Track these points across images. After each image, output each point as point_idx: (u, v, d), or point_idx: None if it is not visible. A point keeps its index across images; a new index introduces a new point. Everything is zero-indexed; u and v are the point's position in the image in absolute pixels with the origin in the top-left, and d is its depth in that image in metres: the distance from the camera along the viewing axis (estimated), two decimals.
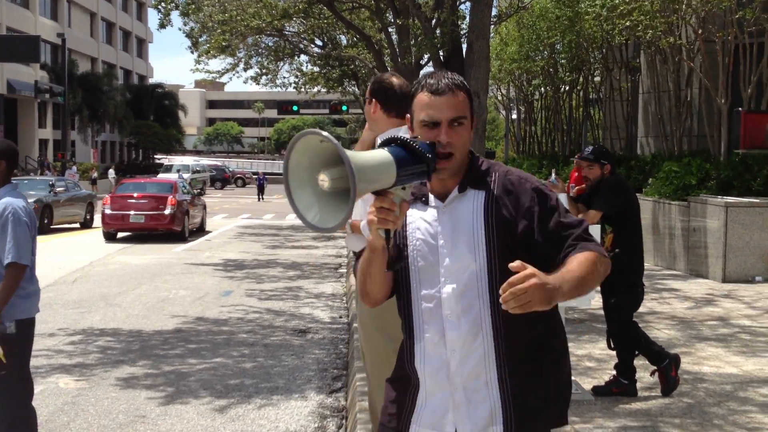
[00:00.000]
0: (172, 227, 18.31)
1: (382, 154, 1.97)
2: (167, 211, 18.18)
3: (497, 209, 2.18)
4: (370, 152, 1.98)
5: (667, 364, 5.56)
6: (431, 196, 2.25)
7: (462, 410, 2.22)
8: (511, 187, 2.21)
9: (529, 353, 2.22)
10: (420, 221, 2.26)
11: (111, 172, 45.23)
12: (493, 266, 2.17)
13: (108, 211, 18.17)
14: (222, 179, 56.31)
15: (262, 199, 39.94)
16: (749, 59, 12.91)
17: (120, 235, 19.07)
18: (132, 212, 18.15)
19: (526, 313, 1.95)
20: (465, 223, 2.20)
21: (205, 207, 21.88)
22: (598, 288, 8.94)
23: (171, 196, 18.41)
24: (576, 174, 16.53)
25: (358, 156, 1.87)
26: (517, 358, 2.20)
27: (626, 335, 5.66)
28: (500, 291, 1.92)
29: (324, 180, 1.90)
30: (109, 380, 6.69)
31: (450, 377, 2.22)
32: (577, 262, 2.10)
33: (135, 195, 18.47)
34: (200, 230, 21.03)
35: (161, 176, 40.21)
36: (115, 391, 6.39)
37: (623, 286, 5.60)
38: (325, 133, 1.85)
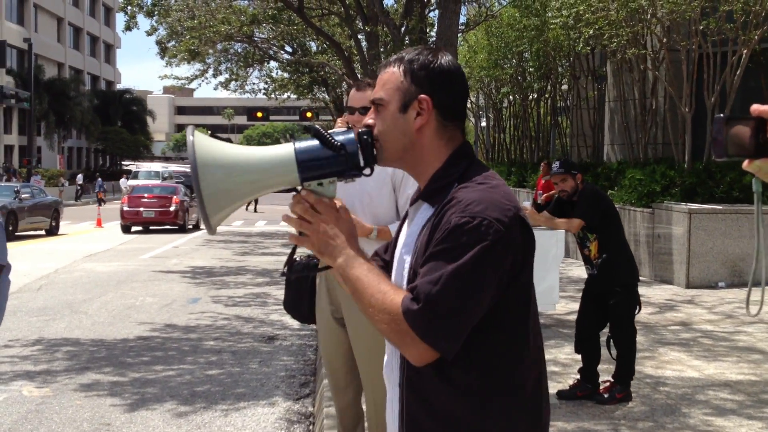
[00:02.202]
0: (176, 221, 23.32)
1: (280, 149, 1.73)
2: (172, 208, 23.20)
3: (427, 238, 1.71)
4: (265, 147, 1.75)
5: (612, 384, 5.68)
6: (409, 208, 1.95)
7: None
8: (441, 217, 1.70)
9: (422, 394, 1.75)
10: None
11: (79, 178, 44.77)
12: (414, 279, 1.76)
13: (126, 208, 23.03)
14: (190, 186, 55.94)
15: (255, 210, 34.81)
16: (713, 68, 13.14)
17: (126, 231, 22.85)
18: (144, 209, 22.96)
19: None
20: (407, 240, 1.85)
21: None
22: (567, 293, 9.03)
23: (175, 197, 23.55)
24: (542, 182, 16.77)
25: (229, 150, 1.70)
26: (410, 387, 1.77)
27: (628, 337, 5.73)
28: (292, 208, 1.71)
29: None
30: (74, 388, 6.62)
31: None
32: (384, 284, 1.70)
33: (146, 196, 23.43)
34: (196, 227, 24.85)
35: (127, 182, 40.10)
36: (80, 398, 6.33)
37: (620, 287, 5.69)
38: (189, 134, 1.70)
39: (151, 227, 23.80)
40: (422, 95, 1.76)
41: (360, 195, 3.54)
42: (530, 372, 1.77)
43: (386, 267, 1.93)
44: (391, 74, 1.80)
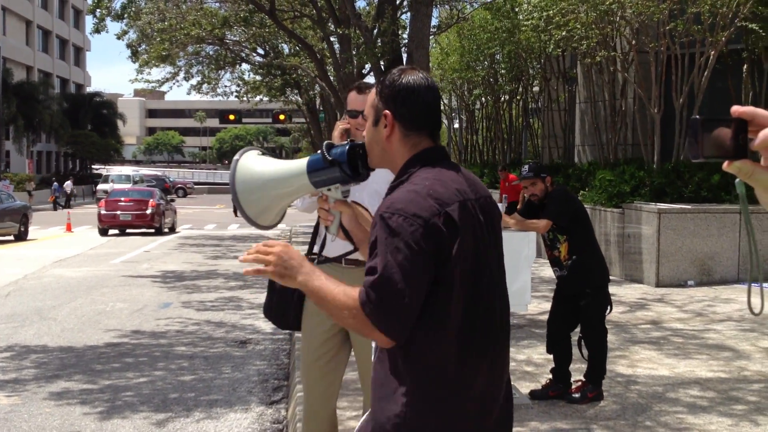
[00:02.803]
0: (153, 224, 23.77)
1: (296, 164, 2.20)
2: (149, 212, 23.66)
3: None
4: (288, 162, 2.24)
5: (583, 384, 5.73)
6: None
7: None
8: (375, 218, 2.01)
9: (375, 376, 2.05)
10: None
11: (68, 185, 44.19)
12: None
13: (103, 212, 23.57)
14: (162, 189, 55.54)
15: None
16: (681, 69, 13.29)
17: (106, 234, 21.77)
18: (120, 212, 23.47)
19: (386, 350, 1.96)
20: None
21: (175, 211, 26.77)
22: (540, 293, 9.07)
23: (152, 200, 24.02)
24: (505, 184, 16.88)
25: (261, 168, 2.21)
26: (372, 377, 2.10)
27: (599, 338, 5.76)
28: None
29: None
30: (44, 395, 6.54)
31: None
32: (341, 286, 1.94)
33: (123, 199, 23.93)
34: (172, 230, 25.46)
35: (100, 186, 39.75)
36: (50, 406, 6.25)
37: (590, 289, 5.72)
38: (237, 155, 2.27)
39: (127, 230, 24.29)
40: (386, 110, 2.08)
41: (370, 194, 3.59)
42: (451, 357, 1.94)
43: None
44: (372, 94, 2.15)
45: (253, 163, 2.23)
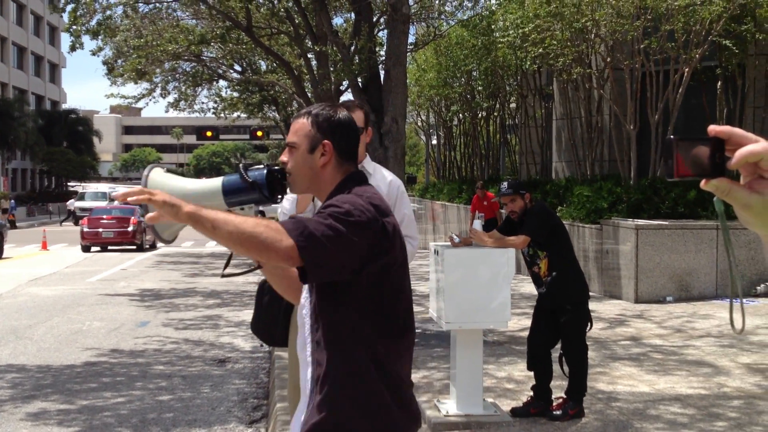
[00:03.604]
0: (134, 240, 24.48)
1: (212, 182, 2.33)
2: (130, 229, 24.26)
3: None
4: (202, 180, 2.40)
5: (563, 401, 5.73)
6: None
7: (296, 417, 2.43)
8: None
9: (329, 369, 2.22)
10: None
11: (71, 202, 43.82)
12: (312, 287, 2.29)
13: (85, 229, 24.10)
14: (140, 206, 55.05)
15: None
16: (656, 86, 13.43)
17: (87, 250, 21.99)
18: (103, 230, 23.97)
19: (330, 340, 2.19)
20: None
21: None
22: (520, 309, 9.07)
23: (133, 218, 24.26)
24: (482, 203, 16.97)
25: (172, 184, 2.29)
26: (323, 383, 2.23)
27: (580, 354, 5.77)
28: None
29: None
30: (20, 416, 6.43)
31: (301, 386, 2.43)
32: (240, 216, 2.12)
33: (105, 217, 24.41)
34: (152, 246, 25.65)
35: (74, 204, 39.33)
36: (26, 427, 6.15)
37: (570, 305, 5.73)
38: (145, 172, 2.35)
39: (109, 247, 24.73)
40: (325, 141, 2.32)
41: None
42: (370, 355, 2.20)
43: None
44: (302, 124, 2.35)
45: (163, 178, 2.31)
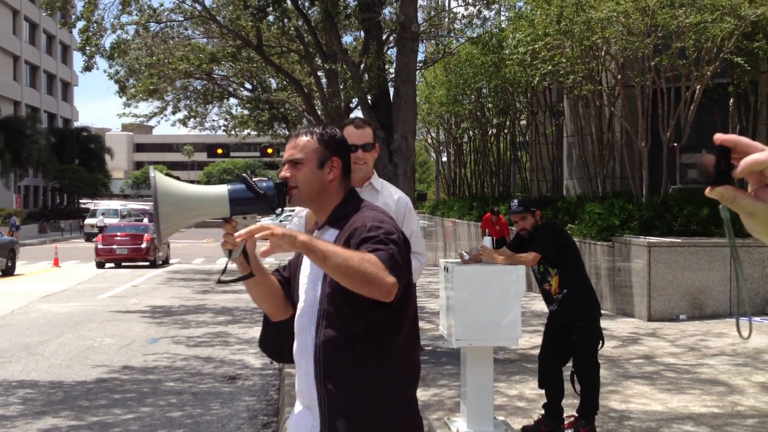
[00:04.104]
0: (148, 257, 24.95)
1: (217, 190, 2.34)
2: (144, 246, 24.78)
3: (344, 243, 2.35)
4: (205, 186, 2.38)
5: (575, 421, 5.69)
6: (315, 231, 2.55)
7: (299, 424, 2.48)
8: (351, 229, 2.37)
9: (344, 379, 2.33)
10: None
11: (101, 220, 44.06)
12: (323, 298, 2.38)
13: (100, 246, 24.71)
14: (150, 223, 55.38)
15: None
16: (667, 103, 13.41)
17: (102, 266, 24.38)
18: (117, 247, 24.61)
19: (343, 346, 2.30)
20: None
21: (168, 245, 28.01)
22: (531, 326, 9.02)
23: (146, 235, 25.08)
24: (495, 227, 16.97)
25: (178, 188, 2.29)
26: (332, 384, 2.34)
27: (592, 372, 5.73)
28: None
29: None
30: None
31: (298, 388, 2.49)
32: (353, 251, 2.21)
33: (119, 234, 25.18)
34: (165, 262, 26.57)
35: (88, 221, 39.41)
36: None
37: (581, 323, 5.70)
38: (151, 173, 2.30)
39: (123, 263, 25.11)
40: (334, 157, 2.48)
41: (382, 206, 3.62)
42: (402, 351, 2.39)
43: (285, 282, 2.60)
44: (307, 141, 2.49)
45: (169, 182, 2.33)
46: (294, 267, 2.63)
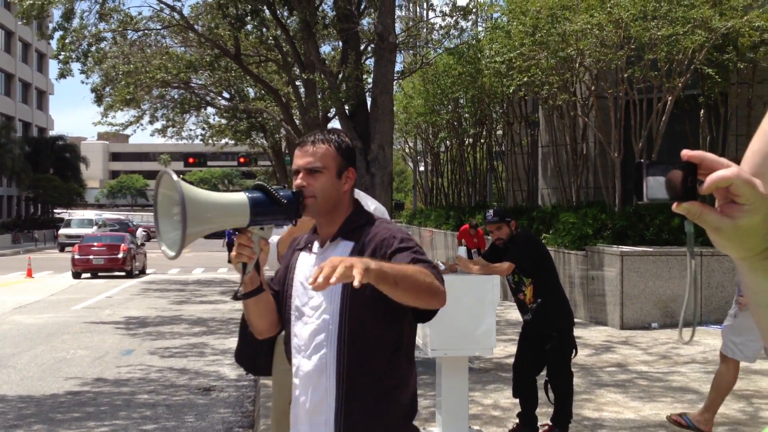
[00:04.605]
0: (125, 267, 24.64)
1: (237, 197, 2.18)
2: (120, 255, 24.53)
3: (370, 254, 2.29)
4: (225, 194, 2.21)
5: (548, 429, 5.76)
6: (316, 244, 2.46)
7: None
8: (377, 239, 2.34)
9: (368, 401, 2.31)
10: (303, 265, 2.47)
11: (140, 231, 43.64)
12: (345, 312, 2.30)
13: (77, 256, 24.45)
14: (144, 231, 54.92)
15: None
16: (639, 114, 13.57)
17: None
18: (93, 257, 24.37)
19: (371, 360, 2.28)
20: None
21: (145, 255, 27.68)
22: (506, 335, 9.06)
23: (123, 245, 24.96)
24: (473, 240, 17.05)
25: (202, 194, 2.11)
26: (356, 403, 2.30)
27: (565, 381, 5.78)
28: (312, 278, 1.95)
29: (176, 213, 2.10)
30: None
31: (299, 411, 2.41)
32: (405, 266, 2.17)
33: (96, 244, 25.05)
34: (142, 272, 26.38)
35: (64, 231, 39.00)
36: None
37: (556, 332, 5.75)
38: (169, 171, 2.11)
39: (99, 273, 24.97)
40: (351, 167, 2.44)
41: None
42: (413, 366, 2.44)
43: (275, 296, 2.48)
44: (326, 150, 2.39)
45: (192, 186, 2.15)
46: (282, 280, 2.52)
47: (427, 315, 2.29)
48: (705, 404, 6.02)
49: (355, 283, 1.90)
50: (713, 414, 5.94)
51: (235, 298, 2.32)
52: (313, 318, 2.37)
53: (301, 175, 2.38)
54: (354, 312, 2.29)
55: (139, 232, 43.40)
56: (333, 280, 1.88)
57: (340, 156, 2.41)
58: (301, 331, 2.40)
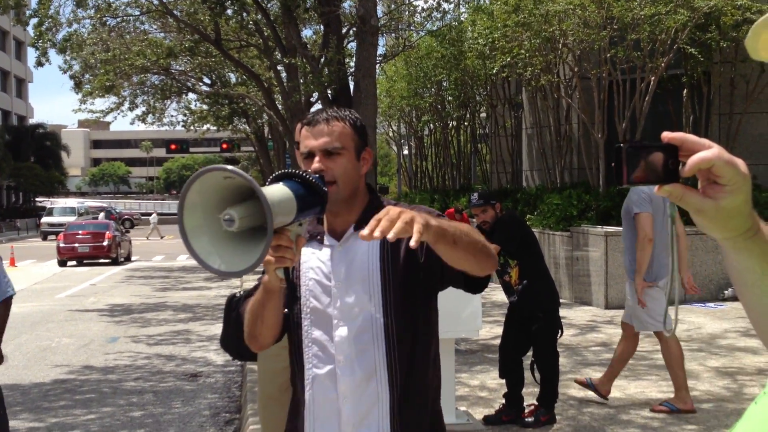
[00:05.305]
0: (110, 254, 24.90)
1: (283, 190, 1.77)
2: (105, 243, 24.76)
3: (393, 248, 2.07)
4: (272, 187, 1.77)
5: (534, 408, 5.78)
6: (326, 235, 2.15)
7: None
8: None
9: (419, 399, 2.13)
10: (314, 260, 2.15)
11: (154, 217, 43.41)
12: (389, 307, 2.07)
13: (62, 245, 24.51)
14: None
15: (162, 237, 38.69)
16: (623, 95, 13.59)
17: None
18: (78, 245, 24.54)
19: (419, 354, 2.10)
20: (360, 263, 2.09)
21: (130, 242, 28.15)
22: (492, 317, 9.08)
23: (108, 232, 25.17)
24: (451, 215, 17.06)
25: (266, 191, 1.68)
26: (410, 404, 2.10)
27: (551, 361, 5.81)
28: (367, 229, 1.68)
29: (232, 219, 1.65)
30: None
31: (341, 426, 2.10)
32: (459, 222, 2.01)
33: (81, 232, 25.10)
34: (127, 259, 26.59)
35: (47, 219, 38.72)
36: None
37: (542, 313, 5.77)
38: (230, 168, 1.63)
39: (85, 261, 25.07)
40: (368, 148, 2.17)
41: None
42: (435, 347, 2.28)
43: (293, 292, 2.10)
44: (344, 128, 2.10)
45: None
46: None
47: (482, 283, 2.08)
48: (675, 386, 6.09)
49: (412, 243, 1.68)
50: (686, 389, 6.01)
51: (288, 307, 2.05)
52: (350, 318, 2.09)
53: (317, 158, 2.07)
54: (398, 301, 2.07)
55: (153, 218, 43.36)
56: (391, 235, 1.64)
57: (356, 135, 2.13)
58: (326, 335, 2.11)
